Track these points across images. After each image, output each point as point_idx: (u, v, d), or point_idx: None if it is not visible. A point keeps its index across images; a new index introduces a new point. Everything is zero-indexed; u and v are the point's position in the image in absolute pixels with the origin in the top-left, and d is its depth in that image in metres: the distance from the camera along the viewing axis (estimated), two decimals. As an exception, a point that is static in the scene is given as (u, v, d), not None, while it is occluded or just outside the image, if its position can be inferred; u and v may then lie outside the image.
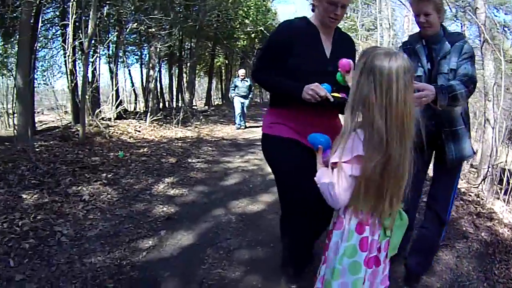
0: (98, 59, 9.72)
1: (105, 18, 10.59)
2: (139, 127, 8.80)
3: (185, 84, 16.23)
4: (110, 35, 11.85)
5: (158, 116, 10.08)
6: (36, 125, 7.78)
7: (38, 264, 2.74)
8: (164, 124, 10.08)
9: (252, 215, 4.01)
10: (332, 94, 2.11)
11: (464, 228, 3.83)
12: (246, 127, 11.83)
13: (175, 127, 9.99)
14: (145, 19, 10.63)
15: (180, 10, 14.59)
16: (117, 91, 10.49)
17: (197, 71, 20.97)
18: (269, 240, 3.32)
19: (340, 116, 2.45)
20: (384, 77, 1.40)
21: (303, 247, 2.57)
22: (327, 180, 1.57)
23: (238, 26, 18.24)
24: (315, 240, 2.66)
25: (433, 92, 2.05)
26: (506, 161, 5.86)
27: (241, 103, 11.56)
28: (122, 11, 10.81)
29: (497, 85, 6.54)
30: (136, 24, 11.19)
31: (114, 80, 9.86)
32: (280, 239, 3.01)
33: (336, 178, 1.52)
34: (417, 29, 2.96)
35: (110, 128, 7.75)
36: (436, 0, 2.55)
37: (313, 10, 2.38)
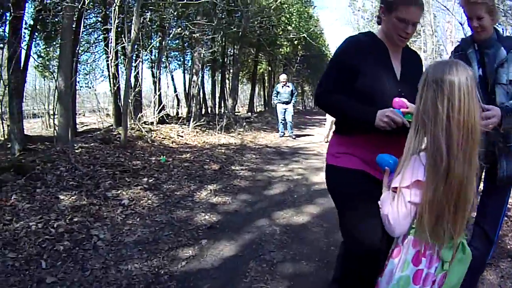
0: (140, 64, 9.91)
1: (148, 23, 10.81)
2: (182, 132, 8.84)
3: (228, 90, 16.36)
4: (152, 41, 12.11)
5: (201, 122, 10.12)
6: (77, 126, 7.96)
7: (72, 267, 2.69)
8: (207, 130, 10.11)
9: (296, 227, 3.85)
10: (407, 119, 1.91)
11: (509, 247, 3.56)
12: (294, 137, 11.57)
13: (218, 133, 9.98)
14: (188, 25, 10.78)
15: (223, 16, 14.82)
16: (159, 95, 10.65)
17: (240, 78, 21.12)
18: (313, 254, 3.17)
19: None
20: (445, 88, 1.35)
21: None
22: (387, 205, 1.52)
23: (281, 33, 18.31)
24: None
25: (499, 116, 1.93)
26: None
27: (283, 109, 11.42)
28: (165, 16, 10.99)
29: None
30: (179, 29, 11.34)
31: (157, 85, 9.97)
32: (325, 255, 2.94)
33: (395, 204, 1.47)
34: (458, 36, 2.80)
35: (152, 132, 7.81)
36: (488, 2, 2.42)
37: (379, 23, 2.19)
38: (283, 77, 11.53)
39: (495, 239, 2.73)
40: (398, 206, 1.46)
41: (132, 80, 8.12)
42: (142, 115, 8.36)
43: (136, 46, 8.11)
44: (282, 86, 11.41)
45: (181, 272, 2.79)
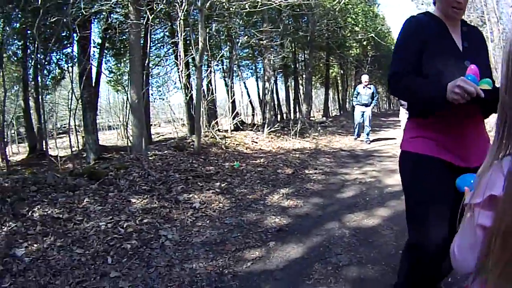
0: (213, 73, 10.20)
1: (214, 34, 11.10)
2: (256, 138, 8.96)
3: (302, 96, 16.37)
4: (222, 51, 12.39)
5: (275, 128, 10.20)
6: (153, 136, 8.39)
7: (137, 264, 2.79)
8: (282, 136, 10.15)
9: (366, 230, 3.72)
10: (480, 87, 1.75)
11: None
12: (370, 141, 10.96)
13: (292, 138, 9.98)
14: (255, 32, 10.92)
15: (290, 22, 14.84)
16: (233, 103, 10.92)
17: (313, 83, 21.10)
18: (381, 258, 3.04)
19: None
20: None
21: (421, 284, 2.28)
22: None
23: (348, 34, 18.09)
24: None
25: None
26: None
27: (362, 112, 10.85)
28: (231, 26, 11.21)
29: None
30: (246, 38, 11.51)
31: (230, 93, 10.19)
32: (392, 259, 2.84)
33: (463, 228, 1.07)
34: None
35: (226, 139, 8.00)
36: None
37: (434, 3, 2.19)
38: (365, 77, 10.93)
39: None
40: (465, 230, 1.06)
41: (205, 89, 8.39)
42: (216, 123, 8.59)
43: (206, 57, 8.38)
44: (364, 87, 10.90)
45: (245, 272, 2.79)
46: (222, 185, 4.93)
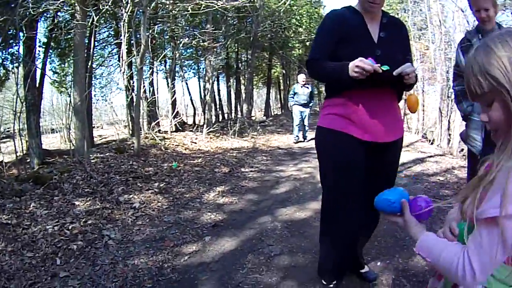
0: (155, 74, 10.13)
1: (156, 36, 11.03)
2: (196, 139, 9.10)
3: (243, 95, 16.52)
4: (165, 51, 12.34)
5: (214, 128, 10.33)
6: (95, 139, 8.29)
7: (84, 263, 2.93)
8: (221, 136, 10.33)
9: (298, 222, 4.01)
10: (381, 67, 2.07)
11: None
12: (305, 139, 10.92)
13: (231, 138, 10.19)
14: (197, 34, 10.95)
15: (234, 22, 14.89)
16: (173, 104, 10.90)
17: (255, 82, 21.28)
18: (311, 247, 3.30)
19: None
20: None
21: (341, 251, 2.51)
22: (453, 249, 1.04)
23: (292, 35, 18.42)
24: (358, 246, 2.67)
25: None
26: None
27: (301, 112, 10.48)
28: (174, 27, 11.23)
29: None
30: (187, 39, 11.48)
31: (170, 93, 10.20)
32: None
33: (486, 244, 0.94)
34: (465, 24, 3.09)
35: (166, 140, 8.10)
36: None
37: None
38: (301, 77, 10.52)
39: None
40: (486, 248, 0.94)
41: (147, 90, 8.40)
42: (156, 124, 8.63)
43: (148, 57, 8.38)
44: (301, 87, 10.47)
45: (183, 265, 3.00)
46: (161, 185, 5.10)
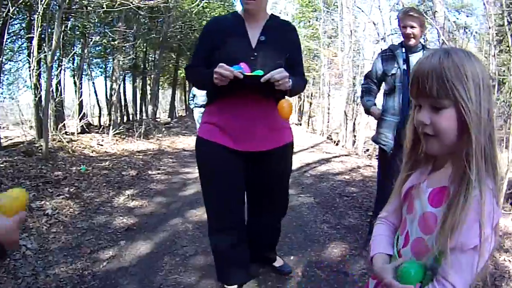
0: (63, 72, 9.55)
1: (69, 32, 10.43)
2: (102, 141, 8.78)
3: (149, 96, 16.18)
4: (75, 48, 11.67)
5: (120, 130, 10.02)
6: (2, 140, 7.66)
7: (5, 277, 2.81)
8: (127, 137, 10.08)
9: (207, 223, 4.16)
10: (247, 74, 1.99)
11: None
12: None
13: (137, 140, 10.00)
14: (109, 32, 10.60)
15: (145, 21, 14.53)
16: (80, 104, 10.34)
17: (161, 83, 20.87)
18: None
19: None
20: (487, 84, 0.97)
21: (224, 253, 2.55)
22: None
23: None
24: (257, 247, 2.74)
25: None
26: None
27: (201, 113, 9.39)
28: (86, 24, 10.69)
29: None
30: (98, 37, 11.05)
31: (77, 93, 9.75)
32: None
33: (456, 269, 0.95)
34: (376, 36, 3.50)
35: (73, 142, 7.73)
36: (421, 17, 3.09)
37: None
38: None
39: None
40: (468, 269, 0.95)
41: (54, 89, 7.94)
42: (63, 125, 8.18)
43: (58, 55, 7.92)
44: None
45: (103, 272, 3.00)
46: (71, 190, 4.94)
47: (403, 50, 3.23)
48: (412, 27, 3.09)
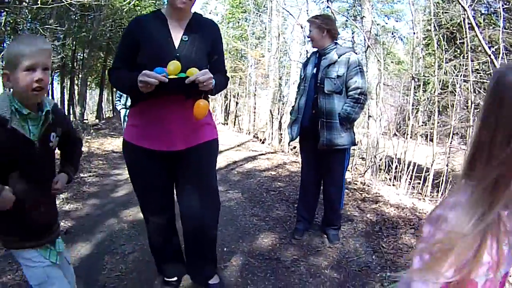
0: None
1: (1, 28, 9.72)
2: (30, 143, 8.22)
3: (77, 97, 15.40)
4: (4, 45, 10.86)
5: (48, 132, 9.44)
6: None
7: None
8: (56, 139, 9.49)
9: (142, 222, 3.78)
10: (171, 77, 1.93)
11: (348, 213, 4.36)
12: None
13: (66, 141, 9.46)
14: (40, 29, 9.96)
15: (76, 18, 13.82)
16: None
17: (88, 83, 19.81)
18: None
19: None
20: None
21: (163, 253, 2.63)
22: None
23: None
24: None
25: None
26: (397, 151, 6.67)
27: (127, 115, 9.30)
28: (19, 19, 10.03)
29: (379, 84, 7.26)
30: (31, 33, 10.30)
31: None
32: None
33: None
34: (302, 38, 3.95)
35: None
36: (317, 22, 3.30)
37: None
38: None
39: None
40: None
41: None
42: None
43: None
44: None
45: None
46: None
47: (317, 55, 3.44)
48: (310, 31, 3.37)
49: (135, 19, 2.22)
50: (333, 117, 3.30)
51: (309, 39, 3.44)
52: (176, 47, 2.11)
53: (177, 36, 2.12)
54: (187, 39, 2.12)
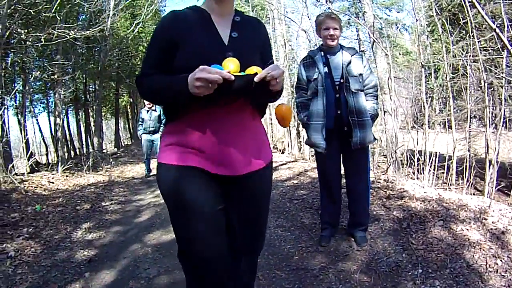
0: (6, 111, 9.13)
1: (9, 68, 9.97)
2: (52, 178, 8.49)
3: (93, 128, 15.61)
4: (15, 85, 11.09)
5: (69, 165, 9.71)
6: None
7: None
8: (76, 172, 9.77)
9: (166, 244, 4.16)
10: (236, 74, 1.46)
11: (374, 212, 4.27)
12: (149, 173, 9.31)
13: (86, 173, 9.70)
14: (48, 66, 10.16)
15: (83, 51, 14.02)
16: (27, 143, 9.91)
17: (103, 113, 20.20)
18: None
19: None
20: None
21: None
22: None
23: (139, 63, 17.69)
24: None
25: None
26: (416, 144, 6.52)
27: (150, 141, 8.79)
28: (26, 58, 10.22)
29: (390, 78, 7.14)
30: (38, 72, 10.59)
31: (23, 132, 9.39)
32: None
33: None
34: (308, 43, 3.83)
35: (24, 182, 7.45)
36: (339, 20, 3.31)
37: None
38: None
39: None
40: None
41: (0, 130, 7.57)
42: (12, 167, 7.85)
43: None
44: (147, 111, 8.65)
45: None
46: (30, 230, 4.84)
47: (322, 53, 3.36)
48: (335, 28, 3.25)
49: (171, 13, 1.75)
50: (364, 115, 3.29)
51: (333, 37, 3.31)
52: (226, 44, 1.71)
53: (224, 32, 1.73)
54: (236, 35, 1.74)
